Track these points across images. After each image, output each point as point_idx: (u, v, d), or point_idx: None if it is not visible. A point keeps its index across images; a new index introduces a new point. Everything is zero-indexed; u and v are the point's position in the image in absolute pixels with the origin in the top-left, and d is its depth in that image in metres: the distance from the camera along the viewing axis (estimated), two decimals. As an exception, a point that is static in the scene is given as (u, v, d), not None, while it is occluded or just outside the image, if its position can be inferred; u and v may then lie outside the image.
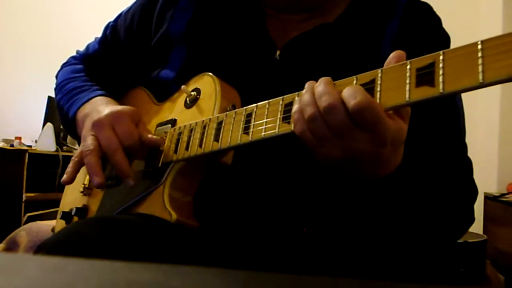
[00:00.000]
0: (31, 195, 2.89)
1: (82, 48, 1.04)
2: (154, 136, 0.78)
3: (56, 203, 1.03)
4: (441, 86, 0.48)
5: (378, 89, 0.53)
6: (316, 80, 0.59)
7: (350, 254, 0.75)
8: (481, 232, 2.26)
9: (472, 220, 0.73)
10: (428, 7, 0.83)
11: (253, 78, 0.79)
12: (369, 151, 0.54)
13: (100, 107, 0.81)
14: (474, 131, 2.77)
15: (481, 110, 2.78)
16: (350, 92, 0.53)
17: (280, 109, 0.61)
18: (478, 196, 0.74)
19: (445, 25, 0.83)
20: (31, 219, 2.62)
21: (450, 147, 0.75)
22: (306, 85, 0.58)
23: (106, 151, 0.72)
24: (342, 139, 0.54)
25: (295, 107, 0.57)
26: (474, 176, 0.75)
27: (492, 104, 2.78)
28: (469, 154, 0.77)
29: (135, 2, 0.96)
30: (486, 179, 2.72)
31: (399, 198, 0.64)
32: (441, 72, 0.48)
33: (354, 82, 0.55)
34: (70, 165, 0.76)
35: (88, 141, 0.73)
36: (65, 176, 0.75)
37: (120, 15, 0.99)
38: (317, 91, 0.55)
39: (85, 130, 0.78)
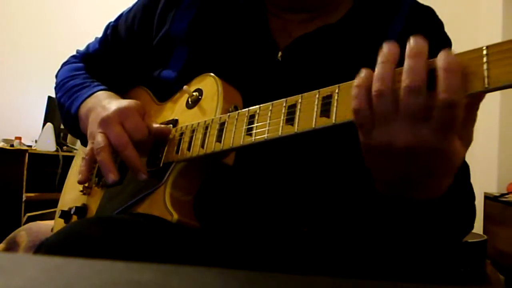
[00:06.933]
0: (31, 195, 2.89)
1: (82, 47, 1.04)
2: (162, 125, 0.78)
3: (56, 203, 1.03)
4: None
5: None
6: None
7: (350, 254, 0.75)
8: (481, 232, 2.26)
9: (471, 226, 0.73)
10: (431, 11, 0.83)
11: (255, 79, 0.78)
12: (430, 143, 0.51)
13: (104, 101, 0.80)
14: (474, 131, 2.76)
15: (481, 110, 2.77)
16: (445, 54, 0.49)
17: (283, 111, 0.60)
18: (478, 196, 0.74)
19: (446, 28, 0.83)
20: (31, 219, 2.63)
21: None
22: (382, 54, 0.53)
23: (116, 147, 0.72)
24: (411, 122, 0.50)
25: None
26: (474, 176, 0.75)
27: (492, 104, 2.78)
28: (469, 154, 0.77)
29: (136, 2, 0.96)
30: (486, 179, 2.72)
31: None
32: None
33: None
34: (83, 164, 0.75)
35: (98, 138, 0.72)
36: (80, 176, 0.75)
37: (121, 15, 0.99)
38: (408, 63, 0.51)
39: (92, 127, 0.77)
